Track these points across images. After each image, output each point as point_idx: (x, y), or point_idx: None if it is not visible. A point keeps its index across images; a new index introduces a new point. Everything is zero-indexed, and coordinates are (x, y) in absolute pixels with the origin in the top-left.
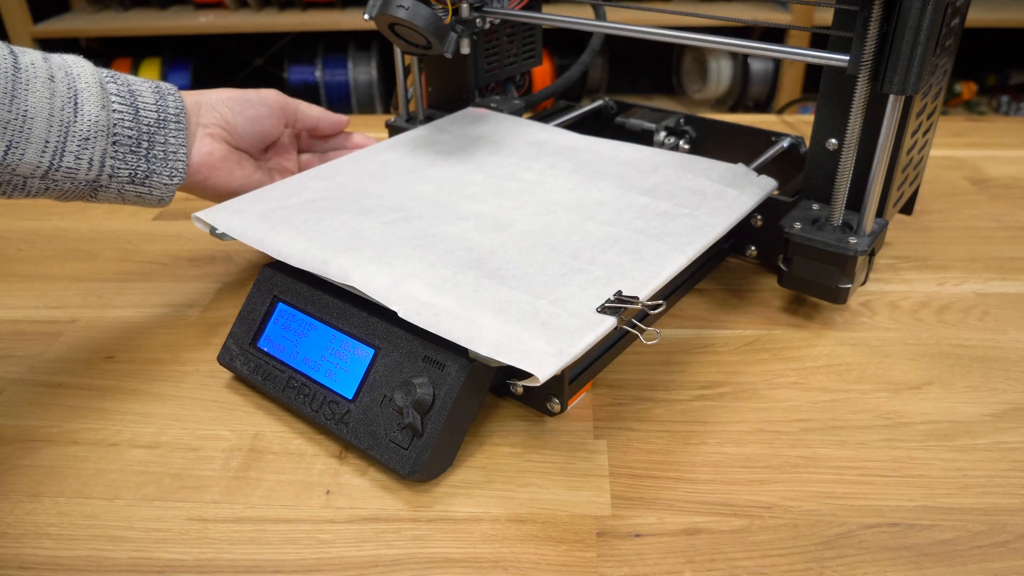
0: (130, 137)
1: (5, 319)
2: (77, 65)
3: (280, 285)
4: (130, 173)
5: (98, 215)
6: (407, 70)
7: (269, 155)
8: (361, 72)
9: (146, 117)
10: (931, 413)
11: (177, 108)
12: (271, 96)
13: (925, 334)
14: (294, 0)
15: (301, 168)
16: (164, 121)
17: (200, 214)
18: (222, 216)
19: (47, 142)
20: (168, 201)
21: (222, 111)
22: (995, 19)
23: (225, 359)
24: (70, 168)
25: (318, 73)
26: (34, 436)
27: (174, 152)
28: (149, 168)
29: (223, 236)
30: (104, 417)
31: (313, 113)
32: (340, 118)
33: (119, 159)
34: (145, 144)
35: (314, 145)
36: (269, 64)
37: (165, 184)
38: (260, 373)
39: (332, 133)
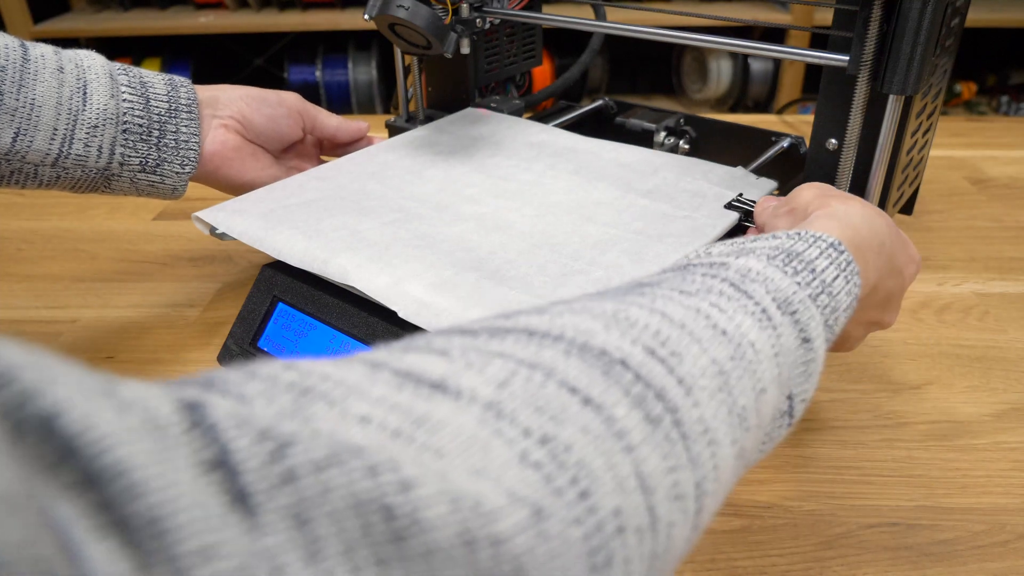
0: (140, 125)
1: (5, 319)
2: (88, 58)
3: (280, 285)
4: (141, 161)
5: (98, 215)
6: (407, 70)
7: (289, 156)
8: (361, 72)
9: (157, 107)
10: (931, 413)
11: (189, 99)
12: (290, 99)
13: (925, 334)
14: (294, 0)
15: None
16: (176, 111)
17: (200, 214)
18: (222, 216)
19: (55, 130)
20: (181, 191)
21: (239, 105)
22: (995, 19)
23: (225, 359)
24: (79, 155)
25: (318, 73)
26: None
27: (186, 141)
28: (160, 156)
29: (223, 236)
30: None
31: (332, 123)
32: (359, 126)
33: (129, 147)
34: (156, 132)
35: (336, 151)
36: (269, 64)
37: (177, 173)
38: None
39: (351, 141)
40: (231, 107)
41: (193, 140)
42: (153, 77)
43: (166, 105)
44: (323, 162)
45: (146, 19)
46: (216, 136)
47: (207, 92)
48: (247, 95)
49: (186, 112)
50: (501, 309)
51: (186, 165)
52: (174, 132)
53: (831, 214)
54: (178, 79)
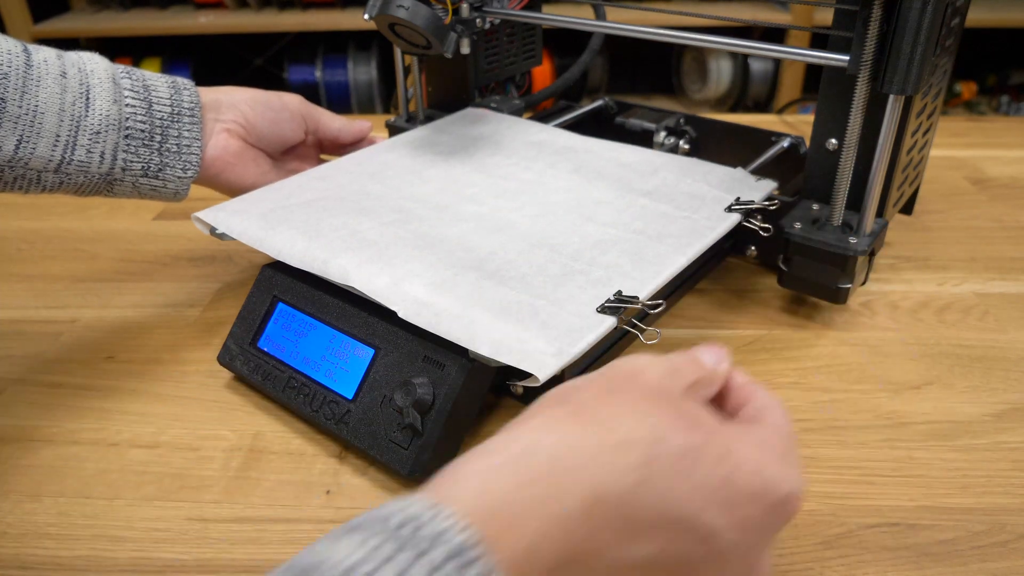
0: (142, 131)
1: (5, 319)
2: (91, 62)
3: (280, 285)
4: (143, 166)
5: (98, 215)
6: (407, 70)
7: (288, 158)
8: (361, 72)
9: (159, 111)
10: (931, 413)
11: (192, 102)
12: (293, 102)
13: (925, 334)
14: (294, 0)
15: None
16: (178, 115)
17: (199, 214)
18: (222, 216)
19: (58, 136)
20: (184, 195)
21: (242, 109)
22: (995, 19)
23: (225, 359)
24: (82, 162)
25: (318, 73)
26: (34, 436)
27: (187, 145)
28: (162, 161)
29: (223, 236)
30: (104, 417)
31: (335, 125)
32: (362, 126)
33: (131, 152)
34: (158, 137)
35: (339, 152)
36: (269, 64)
37: (179, 177)
38: (260, 373)
39: (354, 142)
40: (234, 111)
41: (195, 144)
42: (156, 80)
43: (168, 109)
44: (323, 162)
45: (146, 19)
46: (218, 141)
47: (210, 95)
48: (251, 98)
49: (188, 116)
50: (501, 309)
51: (188, 169)
52: (176, 137)
53: (498, 452)
54: (181, 81)
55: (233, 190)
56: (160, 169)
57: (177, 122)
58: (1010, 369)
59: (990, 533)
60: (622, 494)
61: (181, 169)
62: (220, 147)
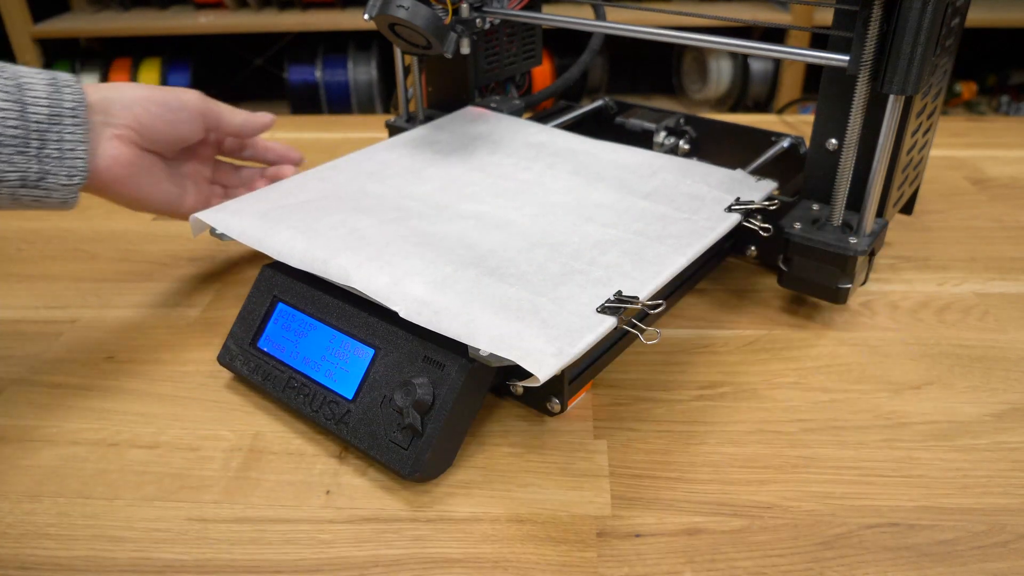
0: (15, 136)
1: (5, 319)
2: None
3: (280, 285)
4: (20, 177)
5: (98, 215)
6: (407, 70)
7: (184, 158)
8: (361, 72)
9: (35, 113)
10: (931, 413)
11: (75, 102)
12: (192, 100)
13: (925, 334)
14: (294, 0)
15: (216, 179)
16: (58, 116)
17: (198, 214)
18: (220, 216)
19: None
20: (72, 203)
21: (136, 111)
22: (995, 19)
23: (225, 359)
24: None
25: (318, 73)
26: (34, 436)
27: (71, 150)
28: (42, 169)
29: (223, 236)
30: (104, 417)
31: (237, 120)
32: (264, 118)
33: (4, 161)
34: (35, 143)
35: (234, 153)
36: (269, 64)
37: (64, 185)
38: (260, 373)
39: (256, 134)
40: (126, 114)
41: (80, 148)
42: (33, 77)
43: (46, 111)
44: (218, 162)
45: (146, 19)
46: (108, 149)
47: (99, 94)
48: (146, 99)
49: (71, 117)
50: (501, 305)
51: (74, 176)
52: (57, 141)
53: None
54: (62, 78)
55: (126, 202)
56: (41, 178)
57: (57, 124)
58: (1010, 369)
59: (990, 533)
60: None
61: (66, 176)
62: (111, 156)
